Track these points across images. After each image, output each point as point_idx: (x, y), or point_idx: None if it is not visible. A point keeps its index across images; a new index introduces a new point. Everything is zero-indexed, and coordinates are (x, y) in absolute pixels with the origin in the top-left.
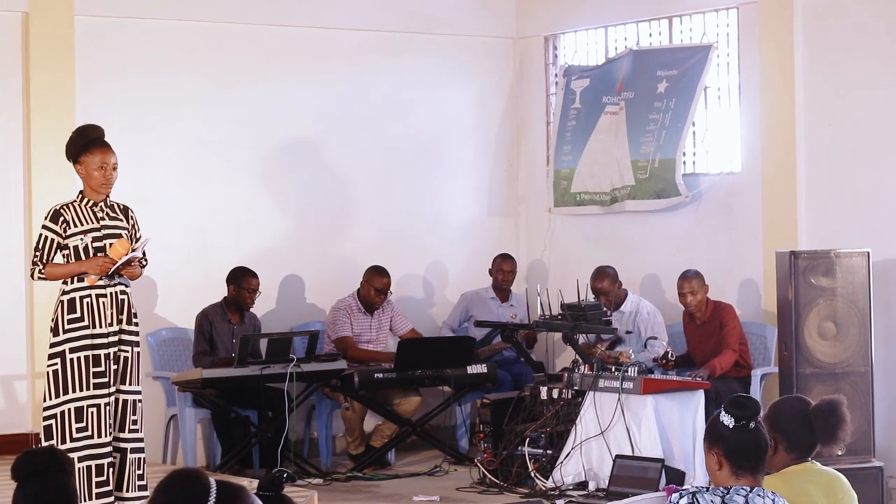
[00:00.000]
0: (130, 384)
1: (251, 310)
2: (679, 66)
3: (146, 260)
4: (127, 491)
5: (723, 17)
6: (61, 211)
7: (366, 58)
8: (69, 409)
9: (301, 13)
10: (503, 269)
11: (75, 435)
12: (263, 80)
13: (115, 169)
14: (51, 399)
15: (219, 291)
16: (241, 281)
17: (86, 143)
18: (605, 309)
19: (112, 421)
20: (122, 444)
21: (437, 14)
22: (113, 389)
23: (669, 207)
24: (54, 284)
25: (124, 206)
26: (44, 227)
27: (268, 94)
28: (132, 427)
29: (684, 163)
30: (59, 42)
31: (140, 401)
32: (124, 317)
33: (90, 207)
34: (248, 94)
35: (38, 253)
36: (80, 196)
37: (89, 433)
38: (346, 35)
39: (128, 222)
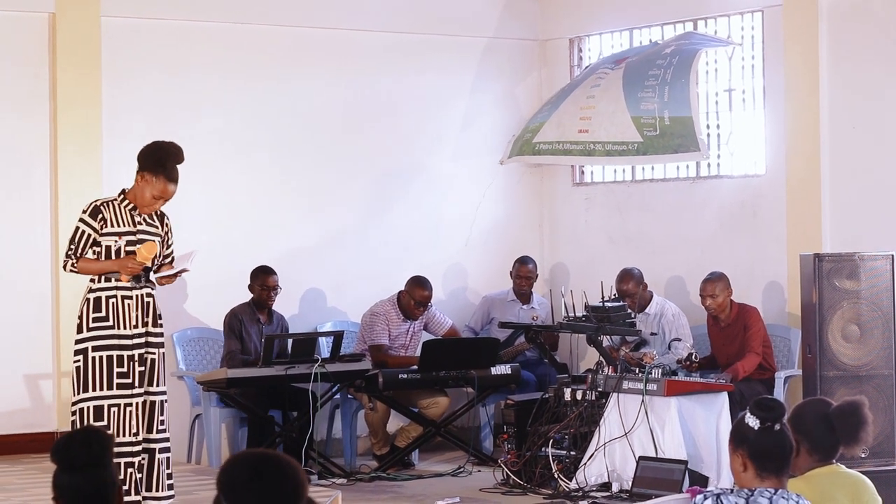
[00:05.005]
0: (157, 385)
1: (276, 310)
2: (690, 39)
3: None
4: (158, 490)
5: (748, 19)
6: (101, 208)
7: (390, 60)
8: (89, 408)
9: (326, 15)
10: (520, 273)
11: None
12: (287, 81)
13: (167, 201)
14: (74, 395)
15: (243, 291)
16: (259, 279)
17: (160, 171)
18: (629, 311)
19: (141, 422)
20: (152, 445)
21: (462, 16)
22: (140, 391)
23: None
24: (81, 283)
25: (161, 212)
26: (81, 220)
27: (292, 94)
28: (160, 427)
29: (708, 127)
30: (85, 43)
31: (166, 401)
32: (150, 319)
33: (130, 210)
34: (272, 94)
35: (72, 246)
36: (122, 196)
37: (109, 432)
38: (371, 37)
39: (162, 229)
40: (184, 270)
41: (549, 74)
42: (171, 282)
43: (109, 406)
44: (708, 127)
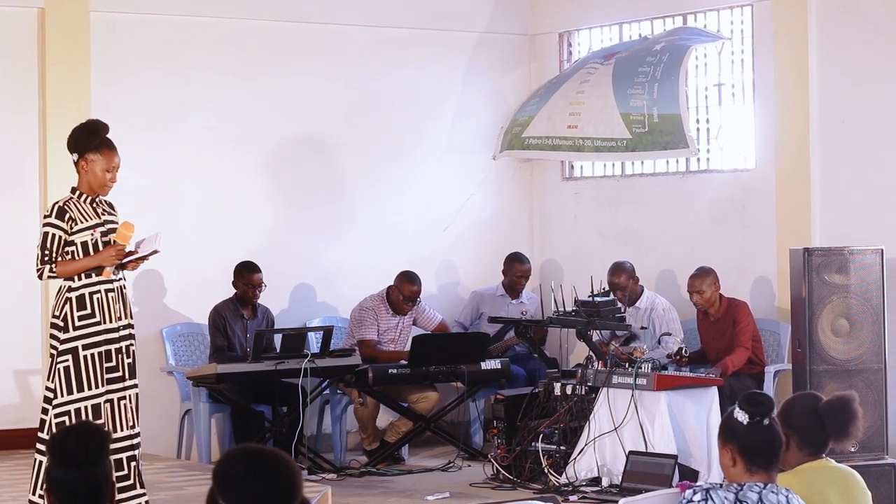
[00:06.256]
0: (135, 377)
1: (261, 303)
2: (680, 34)
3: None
4: (142, 486)
5: (737, 14)
6: (66, 208)
7: (381, 54)
8: (86, 407)
9: (316, 9)
10: (516, 272)
11: None
12: (278, 77)
13: (117, 171)
14: (62, 396)
15: (232, 287)
16: (243, 277)
17: (97, 143)
18: (618, 305)
19: (134, 414)
20: (137, 440)
21: (452, 11)
22: (131, 383)
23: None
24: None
25: (109, 201)
26: (49, 224)
27: (282, 90)
28: (139, 421)
29: (697, 122)
30: (74, 38)
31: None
32: (128, 310)
33: (89, 203)
34: (263, 89)
35: (46, 252)
36: (78, 192)
37: (107, 430)
38: (362, 31)
39: (115, 216)
40: (154, 252)
41: (538, 69)
42: (136, 265)
43: (104, 402)
44: (697, 121)
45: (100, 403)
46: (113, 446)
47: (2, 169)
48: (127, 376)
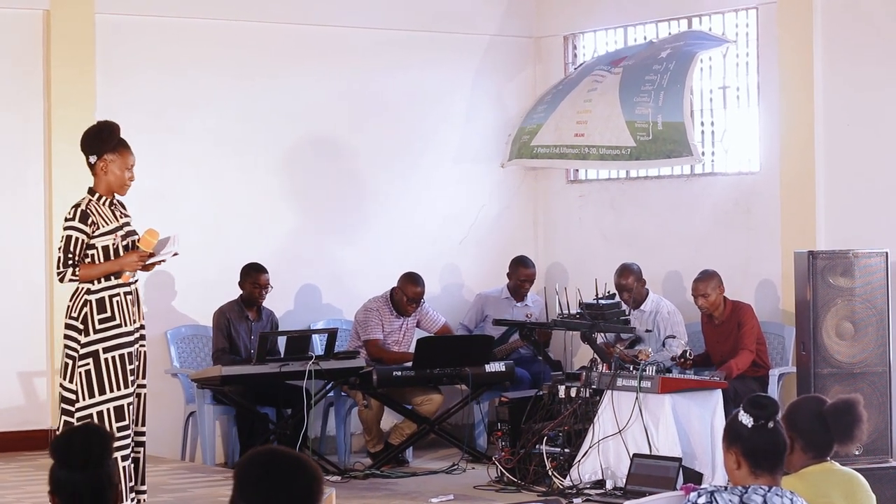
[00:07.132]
0: (145, 378)
1: (268, 307)
2: (686, 39)
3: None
4: (143, 484)
5: (742, 17)
6: (88, 211)
7: (385, 56)
8: (108, 409)
9: (320, 11)
10: (521, 276)
11: (118, 434)
12: (281, 78)
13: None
14: (85, 399)
15: (237, 288)
16: (250, 277)
17: (115, 143)
18: (623, 308)
19: (135, 416)
20: (142, 438)
21: (457, 13)
22: (143, 382)
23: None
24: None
25: (122, 202)
26: (72, 227)
27: (286, 91)
28: (145, 420)
29: (702, 125)
30: (79, 40)
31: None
32: (141, 312)
33: (108, 206)
34: (266, 91)
35: (69, 255)
36: (97, 195)
37: (129, 432)
38: (366, 33)
39: (130, 218)
40: (174, 255)
41: (543, 71)
42: (152, 267)
43: (128, 405)
44: (702, 124)
45: (123, 405)
46: (130, 450)
47: (6, 171)
48: (141, 377)
